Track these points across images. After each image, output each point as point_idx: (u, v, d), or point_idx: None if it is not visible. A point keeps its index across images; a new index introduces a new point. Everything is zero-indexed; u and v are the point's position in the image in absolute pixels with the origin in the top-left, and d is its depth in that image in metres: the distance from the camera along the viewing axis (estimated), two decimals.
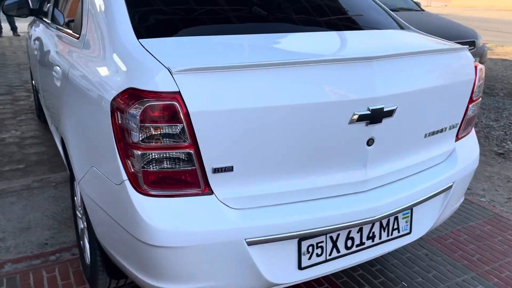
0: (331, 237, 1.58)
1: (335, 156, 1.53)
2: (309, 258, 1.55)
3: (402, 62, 1.60)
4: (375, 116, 1.50)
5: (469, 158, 1.96)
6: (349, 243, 1.62)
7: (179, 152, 1.35)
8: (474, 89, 1.85)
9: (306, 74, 1.43)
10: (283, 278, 1.51)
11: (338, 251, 1.61)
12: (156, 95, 1.30)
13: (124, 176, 1.39)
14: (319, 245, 1.56)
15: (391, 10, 2.48)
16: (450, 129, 1.83)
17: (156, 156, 1.34)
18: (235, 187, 1.43)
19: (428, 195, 1.75)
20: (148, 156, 1.34)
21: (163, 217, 1.37)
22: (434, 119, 1.73)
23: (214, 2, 1.85)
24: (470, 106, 1.88)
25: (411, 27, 2.21)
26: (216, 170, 1.39)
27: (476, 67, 1.86)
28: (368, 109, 1.48)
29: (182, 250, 1.38)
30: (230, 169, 1.40)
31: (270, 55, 1.49)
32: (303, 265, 1.54)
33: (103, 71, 1.54)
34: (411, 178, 1.75)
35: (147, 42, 1.53)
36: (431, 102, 1.68)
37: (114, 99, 1.38)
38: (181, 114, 1.30)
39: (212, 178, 1.40)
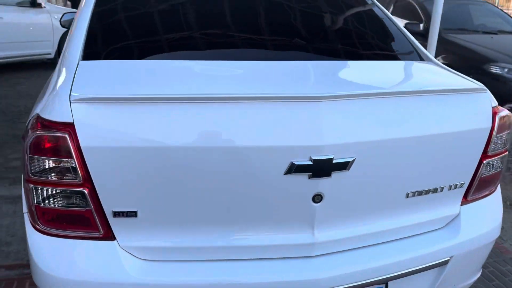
0: None
1: (271, 212, 1.30)
2: None
3: (373, 103, 1.31)
4: (321, 168, 1.23)
5: (482, 228, 1.57)
6: None
7: (72, 191, 1.21)
8: (491, 141, 1.49)
9: (232, 112, 1.21)
10: None
11: None
12: (50, 124, 1.17)
13: (25, 209, 1.30)
14: None
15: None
16: (451, 189, 1.49)
17: (49, 193, 1.22)
18: (141, 235, 1.27)
19: (409, 270, 1.44)
20: (40, 192, 1.22)
21: (56, 260, 1.25)
22: (422, 176, 1.41)
23: (176, 25, 1.73)
24: (484, 162, 1.52)
25: (433, 58, 1.84)
26: (117, 214, 1.24)
27: (495, 113, 1.48)
28: (310, 159, 1.22)
29: None
30: (133, 214, 1.24)
31: (196, 86, 1.29)
32: None
33: (45, 92, 1.44)
34: (385, 246, 1.44)
35: (86, 64, 1.43)
36: (416, 154, 1.36)
37: (27, 125, 1.26)
38: (71, 148, 1.16)
39: (114, 222, 1.25)
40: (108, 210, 1.23)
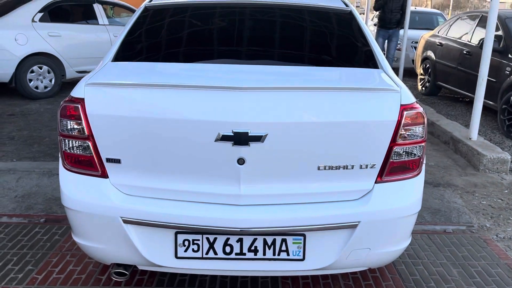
0: (207, 238, 1.87)
1: (209, 168, 1.83)
2: (185, 251, 1.88)
3: (290, 95, 1.78)
4: (240, 139, 1.75)
5: (391, 203, 1.92)
6: (228, 249, 1.87)
7: (81, 142, 1.87)
8: (398, 132, 1.85)
9: (184, 96, 1.78)
10: (161, 261, 1.89)
11: (216, 253, 1.88)
12: (72, 99, 1.86)
13: (59, 154, 1.97)
14: (195, 242, 1.87)
15: None
16: (362, 168, 1.87)
17: (69, 143, 1.89)
18: (124, 176, 1.88)
19: (321, 225, 1.84)
20: (64, 142, 1.89)
21: (72, 187, 1.92)
22: (331, 154, 1.82)
23: (179, 38, 2.39)
24: (394, 149, 1.87)
25: (387, 67, 2.16)
26: (108, 160, 1.86)
27: (402, 110, 1.84)
28: (232, 131, 1.75)
29: (77, 213, 1.90)
30: (118, 161, 1.86)
31: (170, 77, 1.93)
32: (179, 255, 1.88)
33: None
34: (304, 206, 1.87)
35: (111, 64, 2.13)
36: (326, 136, 1.79)
37: None
38: (81, 114, 1.82)
39: (108, 166, 1.88)
40: (103, 157, 1.88)
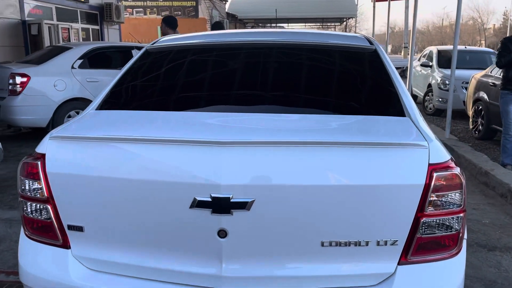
0: None
1: (184, 241, 1.49)
2: None
3: (282, 151, 1.43)
4: (220, 205, 1.41)
5: None
6: None
7: (40, 205, 1.59)
8: (427, 199, 1.45)
9: (155, 152, 1.47)
10: None
11: None
12: (34, 155, 1.60)
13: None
14: None
15: None
16: (380, 245, 1.46)
17: (28, 206, 1.61)
18: (87, 247, 1.57)
19: None
20: (22, 204, 1.62)
21: (30, 259, 1.64)
22: (338, 227, 1.44)
23: (161, 88, 2.11)
24: (422, 220, 1.47)
25: (417, 117, 1.74)
26: (70, 227, 1.57)
27: (431, 170, 1.44)
28: (210, 196, 1.41)
29: None
30: (80, 229, 1.56)
31: (140, 130, 1.62)
32: None
33: None
34: None
35: (96, 113, 1.88)
36: (332, 204, 1.42)
37: None
38: (40, 172, 1.55)
39: (70, 234, 1.58)
40: (65, 223, 1.58)
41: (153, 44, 2.47)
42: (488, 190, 4.64)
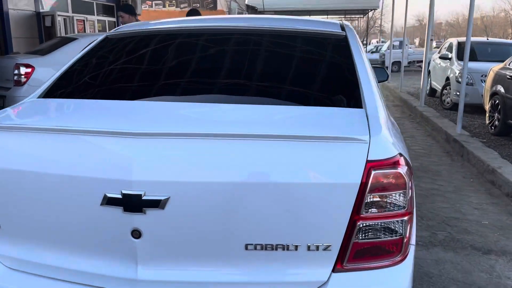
0: None
1: (98, 241, 1.37)
2: None
3: (201, 144, 1.30)
4: (131, 203, 1.28)
5: None
6: None
7: None
8: (364, 200, 1.29)
9: (67, 143, 1.36)
10: None
11: None
12: None
13: None
14: None
15: None
16: (311, 250, 1.31)
17: None
18: (5, 245, 1.47)
19: None
20: None
21: None
22: (264, 229, 1.30)
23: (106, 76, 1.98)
24: (359, 224, 1.31)
25: (376, 109, 1.57)
26: None
27: (369, 168, 1.27)
28: (121, 193, 1.29)
29: None
30: None
31: (56, 120, 1.51)
32: None
33: None
34: None
35: (35, 101, 1.77)
36: (256, 203, 1.28)
37: None
38: None
39: None
40: None
41: (116, 30, 2.36)
42: (494, 189, 4.37)
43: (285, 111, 1.56)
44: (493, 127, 6.90)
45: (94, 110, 1.62)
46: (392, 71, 20.33)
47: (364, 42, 37.47)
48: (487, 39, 10.83)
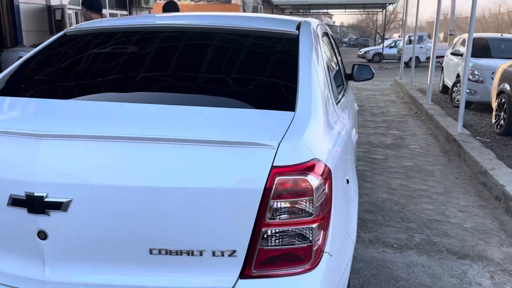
0: None
1: (7, 241, 1.38)
2: None
3: (107, 146, 1.30)
4: (34, 205, 1.28)
5: None
6: None
7: None
8: (267, 206, 1.27)
9: None
10: None
11: None
12: None
13: None
14: None
15: None
16: (216, 255, 1.30)
17: None
18: None
19: None
20: None
21: None
22: (168, 233, 1.29)
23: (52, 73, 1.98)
24: (264, 230, 1.28)
25: (309, 113, 1.55)
26: None
27: (274, 173, 1.25)
28: (25, 194, 1.29)
29: None
30: None
31: None
32: None
33: None
34: None
35: None
36: (159, 207, 1.27)
37: None
38: None
39: None
40: None
41: (75, 27, 2.37)
42: (484, 191, 4.26)
43: (208, 113, 1.53)
44: (498, 127, 6.71)
45: (14, 109, 1.63)
46: (408, 66, 19.98)
47: (386, 36, 36.86)
48: (501, 35, 10.51)
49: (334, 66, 2.83)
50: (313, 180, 1.30)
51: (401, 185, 4.45)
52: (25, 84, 1.94)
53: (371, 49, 29.10)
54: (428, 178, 4.67)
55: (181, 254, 1.31)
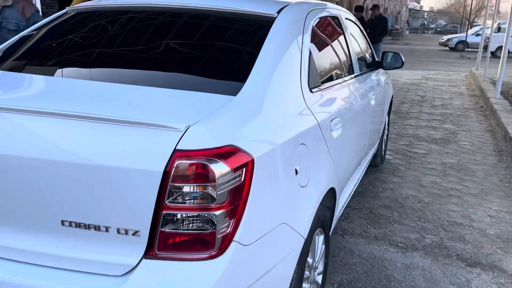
0: None
1: None
2: None
3: (27, 119, 1.36)
4: None
5: None
6: None
7: None
8: (167, 190, 1.27)
9: None
10: None
11: None
12: None
13: None
14: None
15: None
16: (121, 233, 1.33)
17: None
18: None
19: None
20: None
21: None
22: (78, 207, 1.34)
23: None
24: (164, 213, 1.29)
25: (250, 99, 1.55)
26: None
27: (176, 157, 1.25)
28: None
29: None
30: None
31: None
32: None
33: None
34: (53, 272, 1.38)
35: None
36: (69, 182, 1.32)
37: None
38: None
39: None
40: None
41: (78, 5, 2.49)
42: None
43: (146, 93, 1.55)
44: None
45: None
46: (496, 56, 18.35)
47: (479, 23, 33.95)
48: None
49: (339, 53, 2.70)
50: (217, 166, 1.27)
51: (432, 182, 4.17)
52: (6, 57, 2.09)
53: (455, 36, 27.18)
54: (467, 177, 4.33)
55: (89, 228, 1.35)
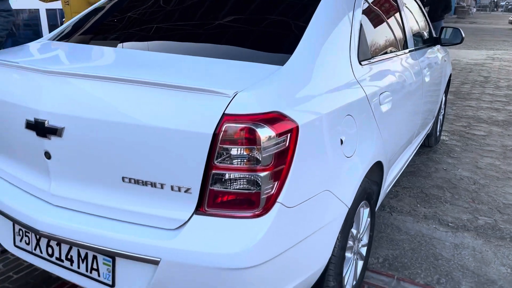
0: (35, 235, 1.69)
1: (27, 157, 1.68)
2: (21, 241, 1.75)
3: (93, 85, 1.50)
4: (39, 129, 1.55)
5: (205, 246, 1.39)
6: (50, 250, 1.67)
7: None
8: (215, 151, 1.36)
9: (3, 74, 1.70)
10: (7, 245, 1.80)
11: (41, 252, 1.69)
12: None
13: None
14: (26, 234, 1.72)
15: None
16: (174, 190, 1.44)
17: None
18: None
19: (130, 253, 1.47)
20: None
21: None
22: (137, 165, 1.46)
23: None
24: (213, 172, 1.38)
25: (297, 68, 1.60)
26: None
27: (224, 121, 1.33)
28: (34, 119, 1.55)
29: None
30: None
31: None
32: (16, 243, 1.77)
33: None
34: (114, 223, 1.54)
35: (41, 43, 2.14)
36: (132, 142, 1.44)
37: None
38: None
39: None
40: None
41: None
42: None
43: (197, 62, 1.65)
44: None
45: (48, 51, 1.93)
46: None
47: None
48: None
49: (392, 26, 2.65)
50: (263, 131, 1.34)
51: (490, 164, 4.01)
52: (75, 31, 2.26)
53: None
54: None
55: (146, 185, 1.48)
